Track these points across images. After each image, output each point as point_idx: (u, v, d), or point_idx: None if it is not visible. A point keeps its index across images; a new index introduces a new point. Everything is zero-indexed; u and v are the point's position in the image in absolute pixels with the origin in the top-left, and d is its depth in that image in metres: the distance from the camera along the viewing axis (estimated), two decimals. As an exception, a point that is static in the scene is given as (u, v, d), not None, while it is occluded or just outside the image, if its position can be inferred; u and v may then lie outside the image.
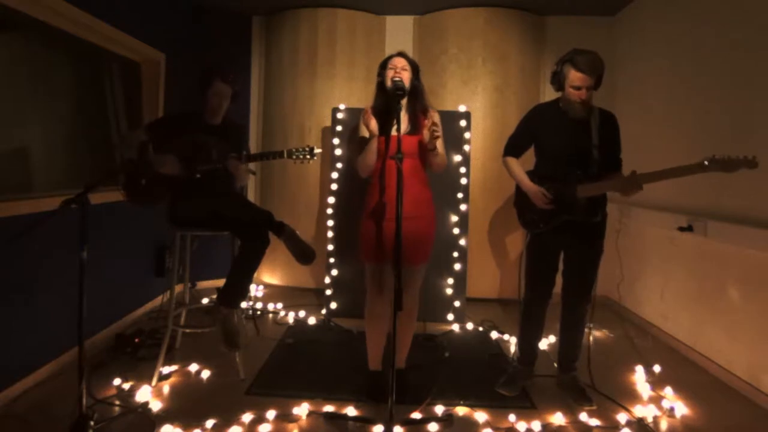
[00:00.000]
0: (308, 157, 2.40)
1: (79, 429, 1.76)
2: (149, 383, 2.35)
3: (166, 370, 2.49)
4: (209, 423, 2.02)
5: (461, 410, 2.22)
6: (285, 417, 2.12)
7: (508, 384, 2.41)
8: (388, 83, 2.18)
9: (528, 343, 2.47)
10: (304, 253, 2.40)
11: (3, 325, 2.19)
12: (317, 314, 3.51)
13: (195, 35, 3.99)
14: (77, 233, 1.78)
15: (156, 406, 2.17)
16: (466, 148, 3.43)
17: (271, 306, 3.68)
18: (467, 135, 3.43)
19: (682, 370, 2.71)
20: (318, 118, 4.04)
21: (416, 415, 2.12)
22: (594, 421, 2.13)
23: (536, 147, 2.40)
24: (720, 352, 2.65)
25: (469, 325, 3.38)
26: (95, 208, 2.14)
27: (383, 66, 2.25)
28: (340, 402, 2.23)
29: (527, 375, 2.48)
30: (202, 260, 3.73)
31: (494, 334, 3.21)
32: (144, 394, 2.25)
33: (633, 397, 2.39)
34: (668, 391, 2.43)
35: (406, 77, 2.17)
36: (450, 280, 3.42)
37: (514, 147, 2.43)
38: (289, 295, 4.05)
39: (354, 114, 3.43)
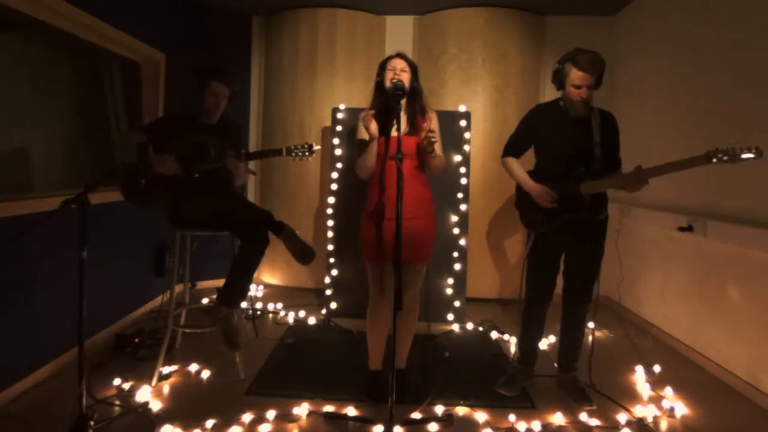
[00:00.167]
0: (307, 154, 2.39)
1: (79, 429, 1.76)
2: (149, 383, 2.35)
3: (166, 370, 2.49)
4: (209, 423, 2.02)
5: (461, 410, 2.22)
6: (285, 417, 2.12)
7: (508, 384, 2.41)
8: (388, 84, 2.18)
9: (528, 343, 2.47)
10: (303, 253, 2.40)
11: (3, 325, 2.19)
12: (317, 314, 3.51)
13: (195, 35, 3.99)
14: (77, 233, 1.78)
15: (156, 406, 2.17)
16: (466, 148, 3.43)
17: (271, 306, 3.68)
18: (467, 135, 3.43)
19: (682, 370, 2.71)
20: (318, 118, 4.04)
21: (416, 415, 2.12)
22: (594, 421, 2.13)
23: (536, 147, 2.40)
24: (720, 352, 2.65)
25: (469, 325, 3.38)
26: (95, 208, 2.14)
27: (382, 67, 2.25)
28: (340, 402, 2.23)
29: (527, 375, 2.48)
30: (202, 260, 3.73)
31: (494, 334, 3.21)
32: (144, 394, 2.25)
33: (633, 397, 2.39)
34: (668, 391, 2.43)
35: (405, 79, 2.17)
36: (450, 280, 3.42)
37: (514, 147, 2.43)
38: (289, 295, 4.05)
39: (354, 114, 3.43)
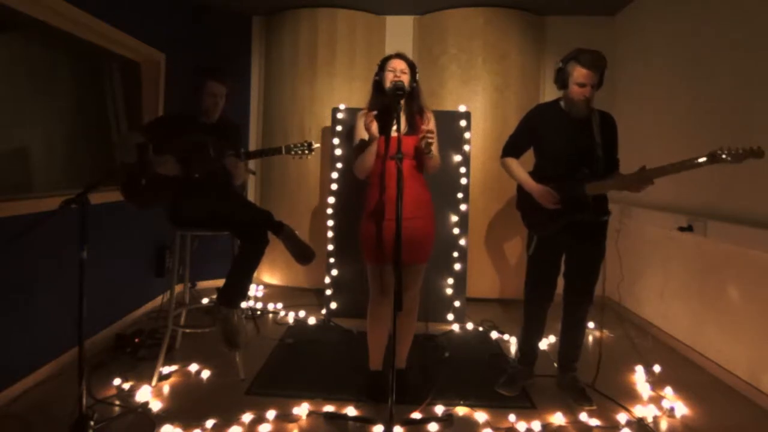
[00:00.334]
0: (306, 152, 2.39)
1: (79, 429, 1.76)
2: (149, 383, 2.35)
3: (166, 370, 2.49)
4: (209, 423, 2.02)
5: (461, 410, 2.22)
6: (285, 417, 2.12)
7: (508, 384, 2.41)
8: (388, 85, 2.17)
9: (529, 343, 2.47)
10: (303, 253, 2.40)
11: (3, 325, 2.19)
12: (317, 314, 3.51)
13: (195, 35, 3.99)
14: (77, 233, 1.78)
15: (156, 406, 2.17)
16: (466, 148, 3.43)
17: (271, 306, 3.68)
18: (467, 135, 3.43)
19: (682, 370, 2.71)
20: (318, 118, 4.04)
21: (416, 415, 2.12)
22: (594, 421, 2.13)
23: (536, 147, 2.40)
24: (720, 352, 2.65)
25: (469, 325, 3.38)
26: (95, 208, 2.14)
27: (381, 67, 2.25)
28: (340, 402, 2.23)
29: (527, 375, 2.48)
30: (202, 260, 3.73)
31: (494, 334, 3.21)
32: (144, 394, 2.25)
33: (633, 397, 2.39)
34: (668, 391, 2.43)
35: (405, 80, 2.17)
36: (450, 280, 3.42)
37: (513, 147, 2.43)
38: (289, 295, 4.04)
39: (354, 114, 3.43)
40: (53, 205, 1.84)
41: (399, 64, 2.21)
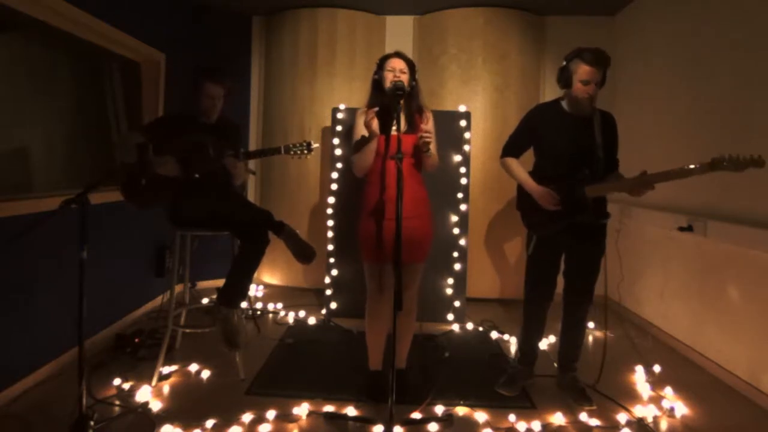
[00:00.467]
0: (305, 152, 2.39)
1: (79, 429, 1.76)
2: (149, 383, 2.35)
3: (166, 370, 2.49)
4: (209, 423, 2.02)
5: (461, 410, 2.22)
6: (285, 417, 2.12)
7: (508, 384, 2.41)
8: (387, 84, 2.17)
9: (529, 343, 2.47)
10: (304, 253, 2.40)
11: (3, 325, 2.19)
12: (317, 314, 3.51)
13: (195, 35, 3.99)
14: (77, 233, 1.78)
15: (156, 406, 2.17)
16: (466, 148, 3.43)
17: (271, 306, 3.68)
18: (467, 135, 3.43)
19: (682, 370, 2.71)
20: (318, 118, 4.04)
21: (416, 415, 2.12)
22: (594, 421, 2.13)
23: (536, 147, 2.39)
24: (720, 352, 2.65)
25: (469, 325, 3.38)
26: (95, 208, 2.14)
27: (380, 66, 2.25)
28: (340, 402, 2.23)
29: (527, 375, 2.48)
30: (202, 260, 3.73)
31: (494, 334, 3.21)
32: (144, 394, 2.25)
33: (633, 397, 2.39)
34: (668, 391, 2.43)
35: (405, 80, 2.16)
36: (450, 280, 3.42)
37: (513, 147, 2.42)
38: (289, 295, 4.04)
39: (354, 114, 3.42)
40: (53, 205, 1.84)
41: (398, 64, 2.21)
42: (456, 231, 3.41)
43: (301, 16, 4.07)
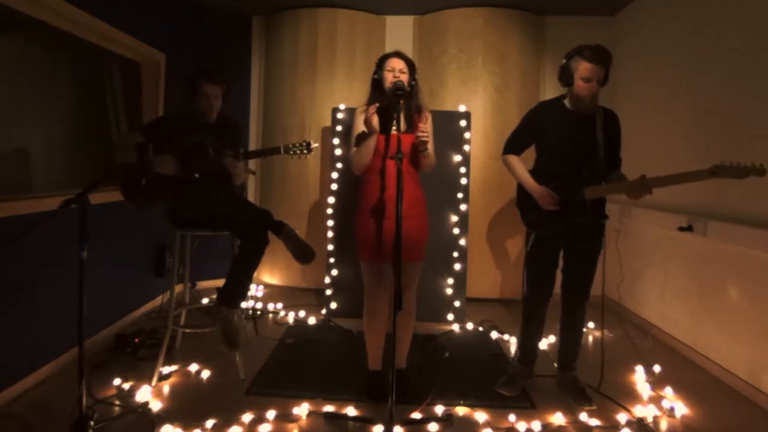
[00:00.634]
0: (305, 152, 2.39)
1: (79, 429, 1.76)
2: (149, 383, 2.35)
3: (166, 370, 2.49)
4: (209, 423, 2.02)
5: (461, 410, 2.22)
6: (285, 417, 2.12)
7: (508, 384, 2.41)
8: (387, 84, 2.17)
9: (529, 342, 2.46)
10: (303, 253, 2.40)
11: (3, 325, 2.19)
12: (317, 314, 3.51)
13: (195, 35, 3.99)
14: (77, 233, 1.78)
15: (156, 406, 2.17)
16: (466, 148, 3.43)
17: (271, 306, 3.68)
18: (467, 135, 3.43)
19: (682, 370, 2.71)
20: (318, 118, 4.04)
21: (416, 415, 2.12)
22: (594, 421, 2.13)
23: (538, 144, 2.39)
24: (720, 352, 2.65)
25: (469, 325, 3.38)
26: (95, 208, 2.14)
27: (380, 65, 2.25)
28: (340, 402, 2.23)
29: (527, 375, 2.48)
30: (202, 260, 3.74)
31: (494, 334, 3.21)
32: (144, 394, 2.25)
33: (633, 397, 2.39)
34: (668, 391, 2.43)
35: (405, 79, 2.16)
36: (450, 280, 3.42)
37: (515, 144, 2.41)
38: (289, 295, 4.05)
39: (354, 114, 3.43)
40: (53, 205, 1.84)
41: (398, 63, 2.21)
42: (456, 231, 3.41)
43: (301, 16, 4.07)
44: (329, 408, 2.19)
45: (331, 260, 3.48)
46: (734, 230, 2.49)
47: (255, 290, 4.09)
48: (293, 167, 4.07)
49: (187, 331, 2.89)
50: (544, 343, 2.90)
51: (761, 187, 2.37)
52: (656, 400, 2.34)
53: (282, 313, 3.55)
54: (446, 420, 2.11)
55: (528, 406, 2.27)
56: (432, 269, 3.35)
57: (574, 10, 3.95)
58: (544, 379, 2.51)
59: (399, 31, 4.24)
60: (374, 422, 2.02)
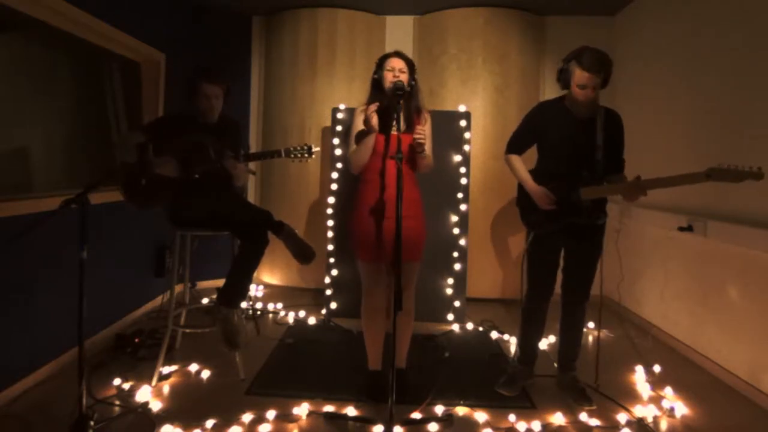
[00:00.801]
0: (306, 155, 2.39)
1: (79, 429, 1.76)
2: (149, 383, 2.35)
3: (166, 370, 2.49)
4: (209, 423, 2.02)
5: (461, 410, 2.22)
6: (285, 417, 2.12)
7: (508, 384, 2.41)
8: (387, 84, 2.17)
9: (529, 342, 2.46)
10: (303, 253, 2.40)
11: (3, 325, 2.19)
12: (317, 314, 3.51)
13: (195, 35, 3.99)
14: (77, 233, 1.78)
15: (156, 406, 2.17)
16: (466, 148, 3.43)
17: (271, 306, 3.68)
18: (467, 135, 3.43)
19: (682, 370, 2.71)
20: (318, 118, 4.04)
21: (416, 415, 2.12)
22: (594, 421, 2.13)
23: (538, 145, 2.39)
24: (720, 352, 2.65)
25: (469, 325, 3.38)
26: (95, 208, 2.14)
27: (380, 65, 2.25)
28: (340, 402, 2.23)
29: (527, 375, 2.48)
30: (202, 260, 3.73)
31: (494, 334, 3.21)
32: (144, 394, 2.25)
33: (633, 397, 2.39)
34: (668, 391, 2.43)
35: (405, 79, 2.17)
36: (450, 280, 3.42)
37: (516, 144, 2.42)
38: (289, 295, 4.05)
39: (353, 114, 3.43)
40: (53, 205, 1.84)
41: (398, 63, 2.21)
42: (456, 231, 3.41)
43: (301, 16, 4.07)
44: (329, 408, 2.19)
45: (331, 260, 3.48)
46: (734, 230, 2.49)
47: (255, 290, 4.09)
48: (293, 167, 4.07)
49: (187, 331, 2.89)
50: (544, 343, 2.90)
51: (761, 187, 2.37)
52: (656, 400, 2.34)
53: (282, 313, 3.55)
54: (446, 420, 2.11)
55: (528, 406, 2.27)
56: (432, 269, 3.35)
57: (574, 10, 3.95)
58: (544, 379, 2.51)
59: (399, 31, 4.24)
60: (374, 422, 2.02)
